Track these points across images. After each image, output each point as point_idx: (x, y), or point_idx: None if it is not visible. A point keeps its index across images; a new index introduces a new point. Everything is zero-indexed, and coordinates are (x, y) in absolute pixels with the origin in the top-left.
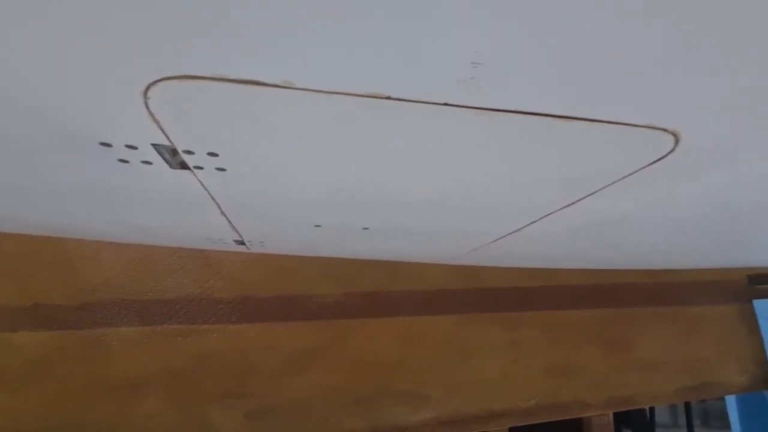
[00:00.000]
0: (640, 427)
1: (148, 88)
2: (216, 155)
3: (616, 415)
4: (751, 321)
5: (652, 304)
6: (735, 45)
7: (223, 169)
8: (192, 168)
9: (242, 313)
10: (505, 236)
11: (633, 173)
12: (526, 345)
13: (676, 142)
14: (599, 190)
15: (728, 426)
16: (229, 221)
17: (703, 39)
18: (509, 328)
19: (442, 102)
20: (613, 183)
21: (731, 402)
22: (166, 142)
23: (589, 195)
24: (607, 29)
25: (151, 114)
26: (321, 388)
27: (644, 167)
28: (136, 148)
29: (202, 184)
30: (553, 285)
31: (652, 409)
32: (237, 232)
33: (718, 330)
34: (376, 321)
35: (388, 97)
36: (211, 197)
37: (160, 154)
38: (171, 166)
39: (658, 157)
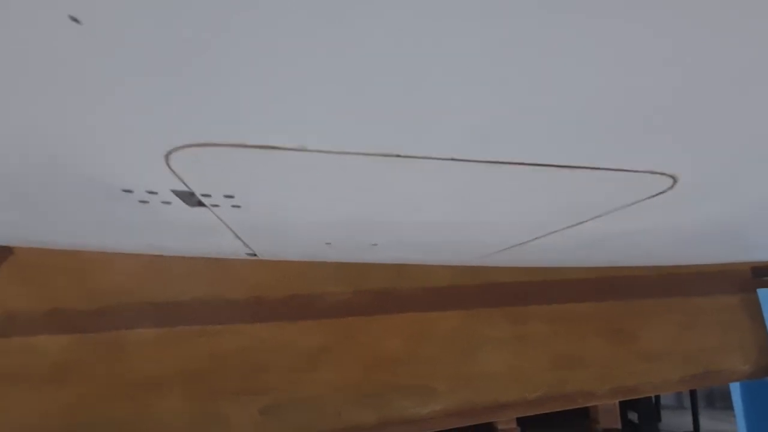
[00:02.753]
0: (645, 410)
1: (170, 152)
2: (232, 197)
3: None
4: (754, 310)
5: (655, 295)
6: (732, 99)
7: (238, 206)
8: (209, 206)
9: (254, 313)
10: (510, 248)
11: (633, 204)
12: (531, 338)
13: (674, 182)
14: (601, 215)
15: (732, 407)
16: (243, 242)
17: (699, 92)
18: (515, 322)
19: (448, 157)
20: (614, 210)
21: (735, 386)
22: (184, 189)
23: (591, 219)
24: (606, 88)
25: (173, 171)
26: (332, 384)
27: (643, 200)
28: (156, 193)
29: (218, 218)
30: (558, 279)
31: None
32: (250, 248)
33: (722, 320)
34: (384, 318)
35: (398, 155)
36: (227, 226)
37: (178, 196)
38: (188, 205)
39: (657, 192)
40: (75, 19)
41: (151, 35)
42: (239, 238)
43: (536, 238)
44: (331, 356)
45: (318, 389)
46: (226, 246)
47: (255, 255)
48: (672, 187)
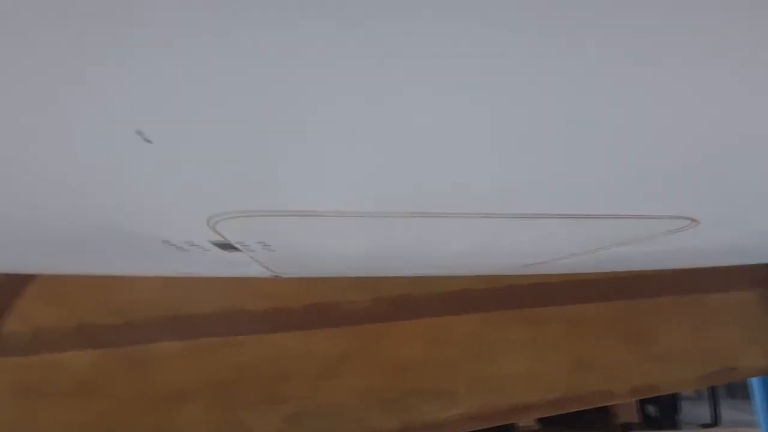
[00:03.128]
0: (664, 404)
1: (212, 218)
2: (266, 244)
3: None
4: None
5: (671, 293)
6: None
7: (271, 249)
8: (243, 250)
9: (275, 323)
10: (531, 265)
11: (652, 237)
12: (549, 340)
13: (694, 222)
14: (621, 244)
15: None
16: (269, 269)
17: (724, 146)
18: (532, 324)
19: (476, 213)
20: (634, 242)
21: (754, 380)
22: (222, 241)
23: (611, 246)
24: (632, 146)
25: (214, 230)
26: (354, 391)
27: (662, 235)
28: (194, 243)
29: (251, 258)
30: (573, 280)
31: None
32: (274, 272)
33: (740, 316)
34: (403, 324)
35: (428, 214)
36: (257, 262)
37: (216, 245)
38: (224, 250)
39: (677, 230)
40: (140, 133)
41: (202, 131)
42: (267, 268)
43: (556, 259)
44: (351, 363)
45: (340, 396)
46: (251, 272)
47: (278, 275)
48: (692, 226)
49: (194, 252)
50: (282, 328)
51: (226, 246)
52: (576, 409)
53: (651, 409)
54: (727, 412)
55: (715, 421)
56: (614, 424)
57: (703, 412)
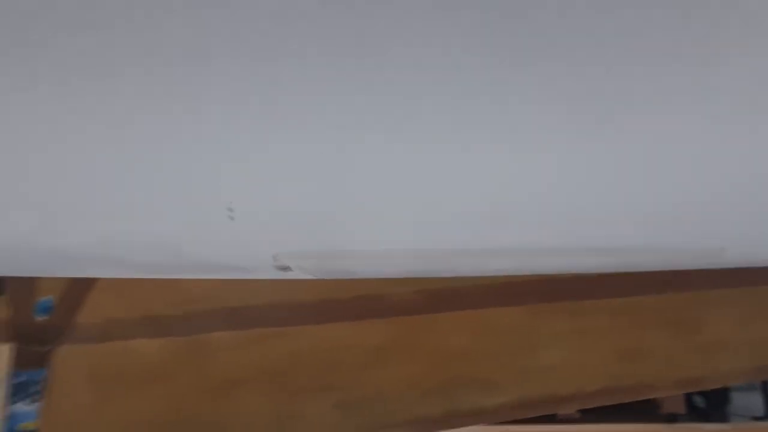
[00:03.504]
0: (713, 394)
1: (278, 255)
2: (322, 268)
3: None
4: None
5: (720, 285)
6: None
7: (325, 270)
8: (299, 271)
9: (323, 314)
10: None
11: (680, 264)
12: (592, 332)
13: (722, 251)
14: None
15: None
16: (319, 278)
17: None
18: (575, 315)
19: (523, 248)
20: (662, 265)
21: None
22: (282, 266)
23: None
24: (670, 185)
25: (278, 262)
26: (399, 380)
27: (690, 261)
28: (259, 268)
29: (305, 274)
30: (618, 272)
31: None
32: (322, 278)
33: None
34: (445, 315)
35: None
36: (310, 276)
37: (277, 268)
38: (283, 271)
39: (704, 256)
40: (230, 209)
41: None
42: (316, 277)
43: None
44: (396, 353)
45: (386, 385)
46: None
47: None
48: (720, 251)
49: (254, 273)
50: (330, 318)
51: (286, 269)
52: (619, 401)
53: (698, 400)
54: None
55: None
56: (659, 414)
57: (755, 403)
